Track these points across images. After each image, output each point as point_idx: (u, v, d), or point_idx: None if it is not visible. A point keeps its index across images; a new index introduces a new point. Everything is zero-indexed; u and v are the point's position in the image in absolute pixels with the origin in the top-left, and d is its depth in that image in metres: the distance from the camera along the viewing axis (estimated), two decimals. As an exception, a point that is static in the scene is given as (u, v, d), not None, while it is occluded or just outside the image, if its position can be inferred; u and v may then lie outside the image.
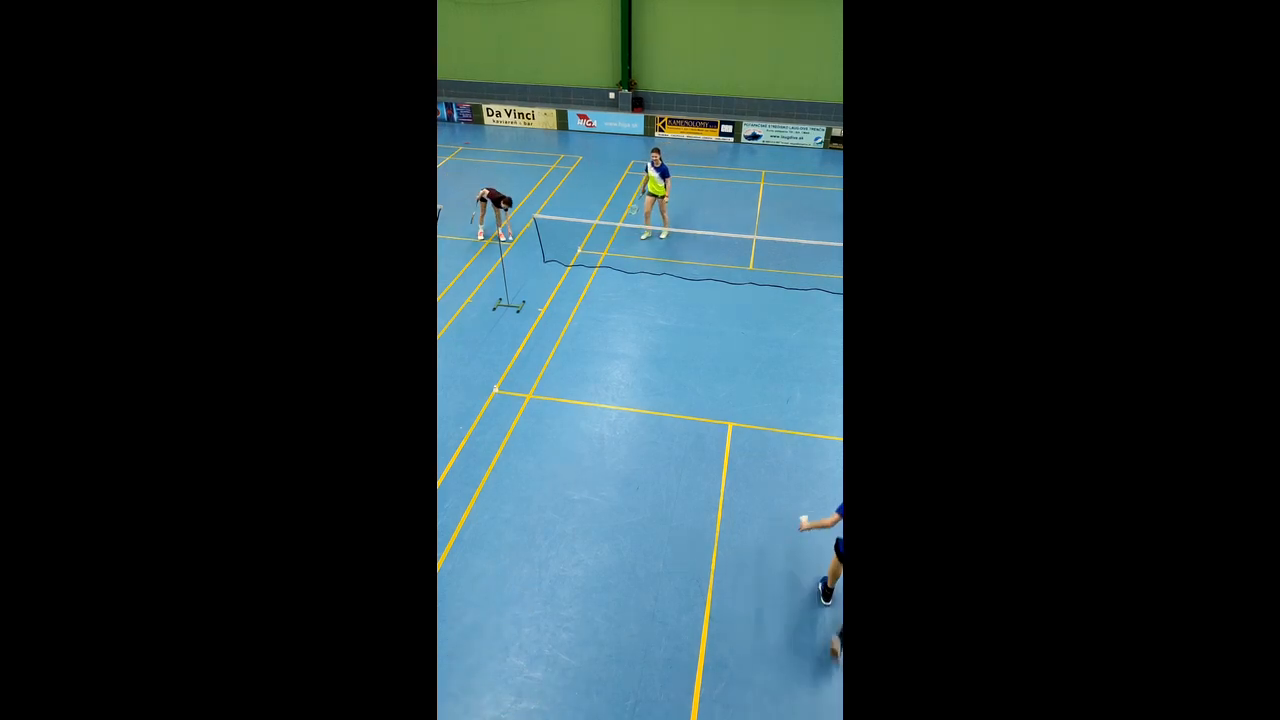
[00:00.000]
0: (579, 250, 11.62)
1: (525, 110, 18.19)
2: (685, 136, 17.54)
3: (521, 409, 7.98)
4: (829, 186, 14.66)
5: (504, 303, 10.04)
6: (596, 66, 18.05)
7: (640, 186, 11.79)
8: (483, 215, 11.81)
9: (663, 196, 11.66)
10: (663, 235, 12.11)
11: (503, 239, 11.80)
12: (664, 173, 11.43)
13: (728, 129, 17.32)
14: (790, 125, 16.99)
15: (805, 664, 5.37)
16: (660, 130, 17.68)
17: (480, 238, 11.97)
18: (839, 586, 5.78)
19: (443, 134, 17.44)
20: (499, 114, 18.37)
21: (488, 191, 11.55)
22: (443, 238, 11.91)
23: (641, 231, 12.16)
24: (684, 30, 17.11)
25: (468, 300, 10.14)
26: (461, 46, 18.45)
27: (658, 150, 11.56)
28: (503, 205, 11.55)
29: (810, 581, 6.00)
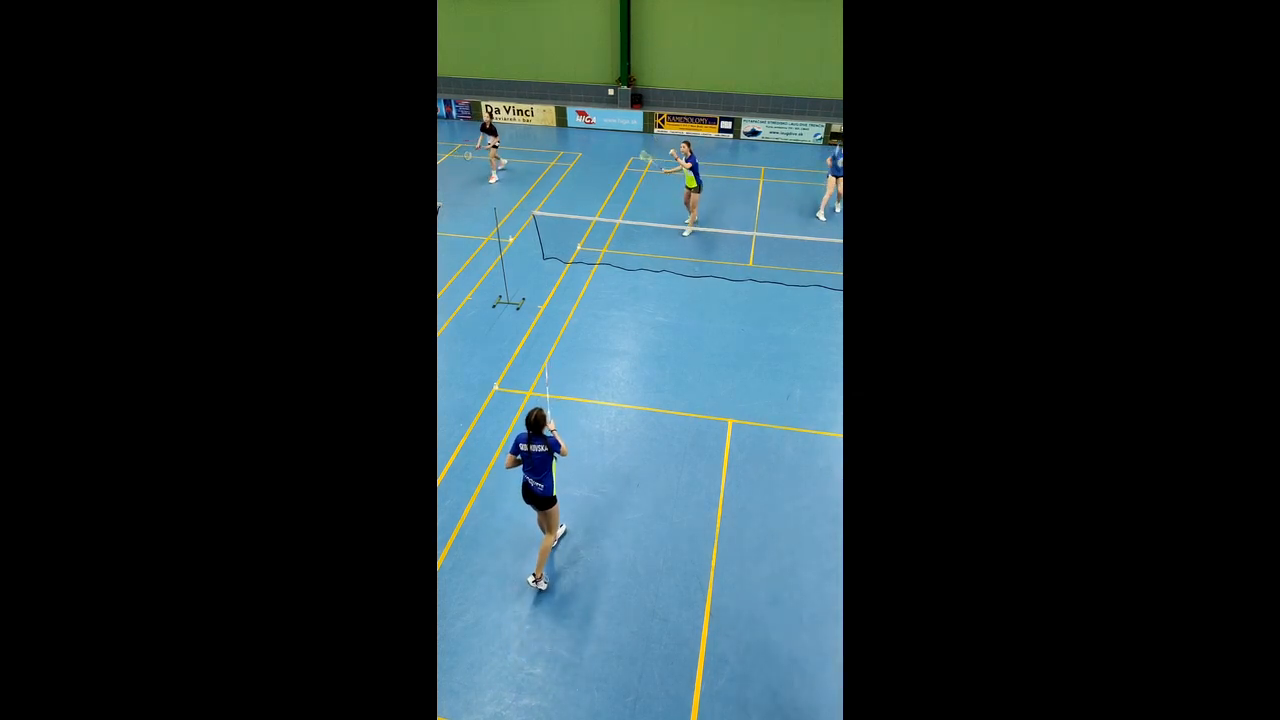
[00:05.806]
0: (578, 247, 11.61)
1: (524, 107, 18.16)
2: (685, 133, 17.50)
3: (522, 406, 7.97)
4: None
5: (503, 300, 10.03)
6: (595, 63, 18.02)
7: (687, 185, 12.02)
8: (493, 152, 14.24)
9: (694, 189, 11.69)
10: (685, 233, 11.99)
11: (469, 158, 14.92)
12: (693, 166, 11.45)
13: (727, 125, 17.29)
14: (790, 121, 16.96)
15: (806, 660, 5.38)
16: (659, 126, 17.65)
17: (479, 146, 14.44)
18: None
19: (442, 131, 17.41)
20: (498, 111, 18.34)
21: (487, 120, 14.46)
22: (442, 235, 11.90)
23: (684, 230, 12.01)
24: (683, 26, 17.08)
25: (467, 298, 10.14)
26: (461, 44, 18.42)
27: (688, 142, 11.61)
28: (490, 132, 14.11)
29: (810, 578, 6.01)
